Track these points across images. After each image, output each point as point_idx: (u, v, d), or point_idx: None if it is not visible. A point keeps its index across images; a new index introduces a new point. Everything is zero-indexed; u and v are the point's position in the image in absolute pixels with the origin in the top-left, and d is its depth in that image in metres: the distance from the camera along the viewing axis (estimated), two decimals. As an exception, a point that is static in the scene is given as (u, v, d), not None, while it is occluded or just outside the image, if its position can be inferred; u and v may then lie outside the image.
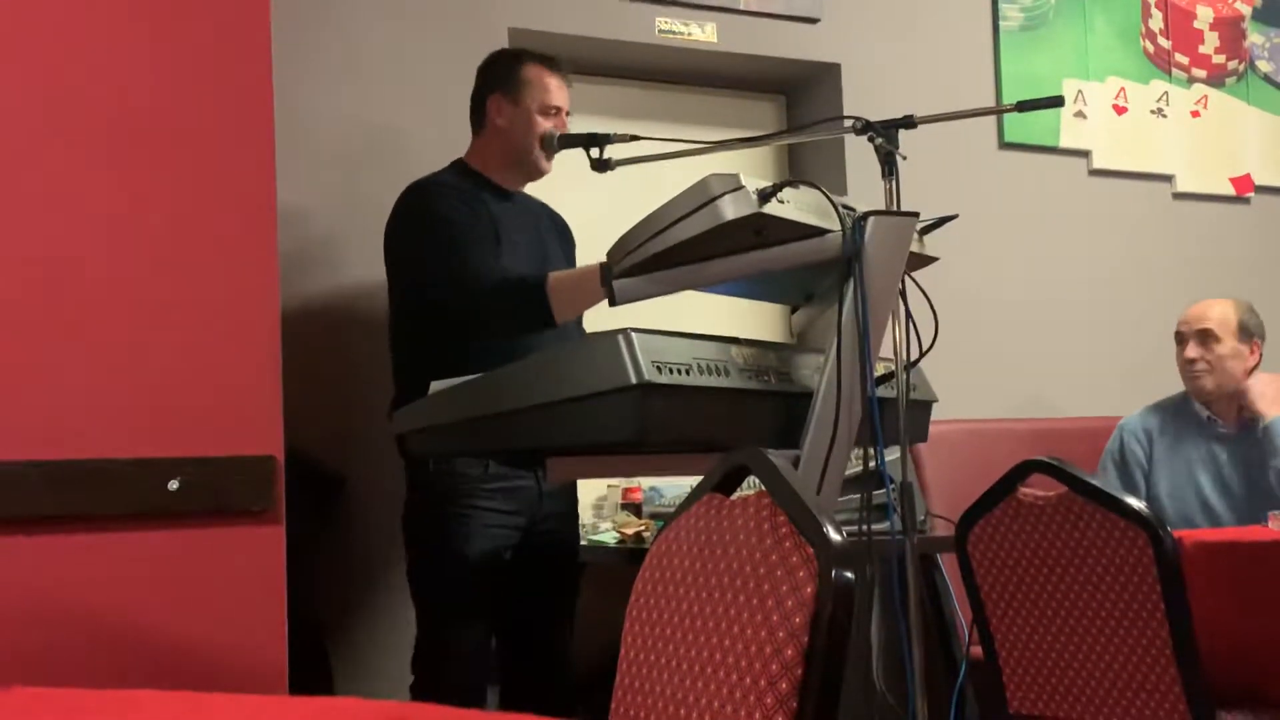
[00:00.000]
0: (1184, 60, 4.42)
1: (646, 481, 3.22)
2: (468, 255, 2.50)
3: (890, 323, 2.06)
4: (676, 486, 3.14)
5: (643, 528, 3.02)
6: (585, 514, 3.15)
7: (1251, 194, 4.50)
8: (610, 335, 1.77)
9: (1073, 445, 3.20)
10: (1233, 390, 3.27)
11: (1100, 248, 4.20)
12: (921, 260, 2.26)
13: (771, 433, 1.94)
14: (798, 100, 4.05)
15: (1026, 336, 4.03)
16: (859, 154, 3.32)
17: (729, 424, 1.88)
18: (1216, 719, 2.18)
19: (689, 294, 2.05)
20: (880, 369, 2.02)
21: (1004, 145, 4.08)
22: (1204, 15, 4.47)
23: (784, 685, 1.12)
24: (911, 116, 2.19)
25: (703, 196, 1.83)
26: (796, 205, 1.90)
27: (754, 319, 3.71)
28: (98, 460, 1.67)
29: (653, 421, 1.76)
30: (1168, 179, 4.36)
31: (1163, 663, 2.16)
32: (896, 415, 2.06)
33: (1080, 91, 4.21)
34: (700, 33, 3.66)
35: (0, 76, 1.69)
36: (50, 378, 1.67)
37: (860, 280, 1.93)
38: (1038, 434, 3.62)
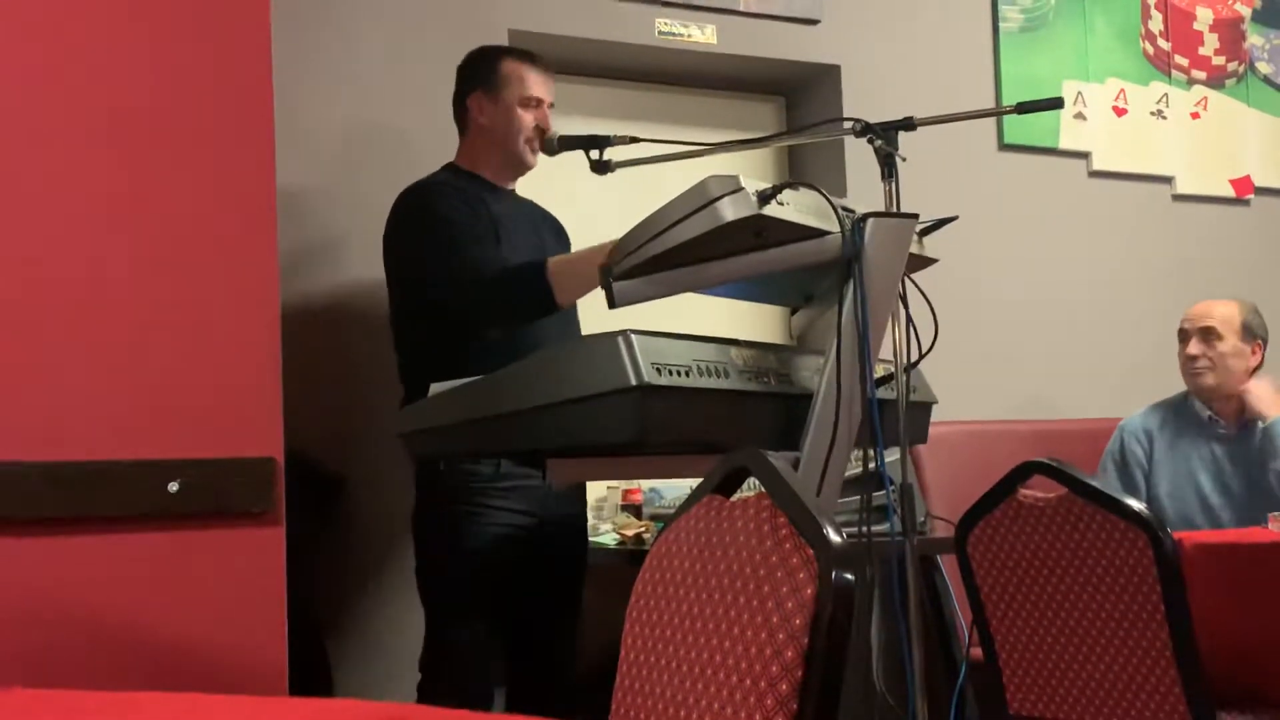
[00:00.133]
0: (1184, 62, 4.42)
1: (646, 483, 3.22)
2: (468, 254, 2.50)
3: (890, 324, 2.06)
4: (676, 488, 3.14)
5: (643, 529, 3.02)
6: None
7: (1251, 196, 4.50)
8: (610, 337, 1.77)
9: (1073, 446, 3.20)
10: (1233, 390, 3.27)
11: (1100, 249, 4.20)
12: (921, 262, 2.26)
13: (771, 434, 1.94)
14: (797, 102, 4.05)
15: (1026, 337, 4.03)
16: (859, 155, 3.32)
17: (729, 425, 1.88)
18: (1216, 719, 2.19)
19: (688, 295, 2.05)
20: (880, 370, 2.02)
21: (1004, 147, 4.08)
22: (1204, 17, 4.47)
23: (784, 687, 1.12)
24: (911, 118, 2.19)
25: (702, 198, 1.83)
26: (796, 207, 1.90)
27: (753, 321, 3.71)
28: (98, 461, 1.67)
29: (652, 423, 1.76)
30: (1167, 180, 4.36)
31: (1163, 664, 2.16)
32: (896, 417, 2.06)
33: (1080, 93, 4.21)
34: (700, 34, 3.66)
35: (0, 76, 1.69)
36: (50, 378, 1.67)
37: (860, 282, 1.93)
38: (1038, 435, 3.63)
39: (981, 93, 4.04)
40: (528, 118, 2.68)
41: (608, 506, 3.29)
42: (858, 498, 1.98)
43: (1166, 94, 4.38)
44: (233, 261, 1.77)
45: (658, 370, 1.75)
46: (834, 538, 1.15)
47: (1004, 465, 2.40)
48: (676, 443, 1.85)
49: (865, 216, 1.97)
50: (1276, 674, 2.31)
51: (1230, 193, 4.46)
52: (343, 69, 3.22)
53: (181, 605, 1.71)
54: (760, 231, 1.90)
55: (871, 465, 1.95)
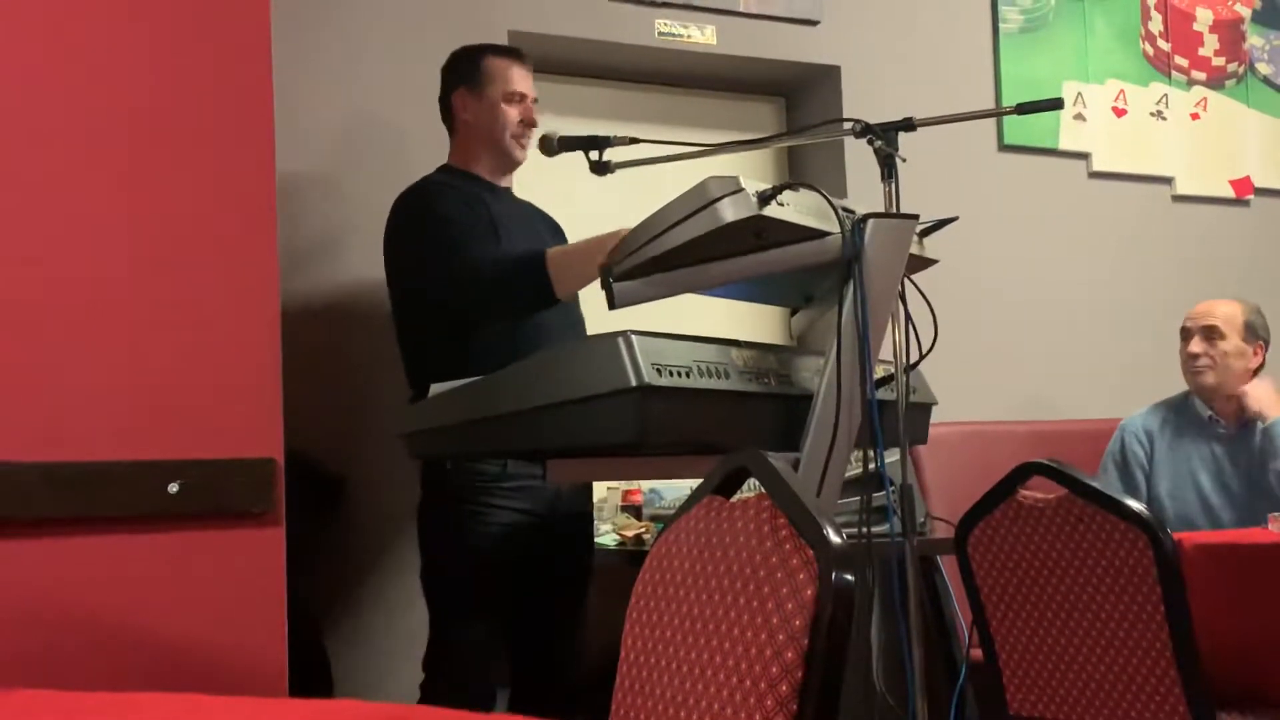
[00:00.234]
0: (1183, 63, 4.42)
1: (646, 484, 3.22)
2: (468, 253, 2.49)
3: (890, 325, 2.07)
4: (676, 489, 3.14)
5: (643, 530, 3.02)
6: (585, 516, 3.14)
7: (1251, 196, 4.50)
8: (610, 337, 1.77)
9: (1073, 447, 3.20)
10: (1234, 390, 3.27)
11: (1100, 250, 4.20)
12: (921, 262, 2.26)
13: (771, 435, 1.94)
14: (797, 102, 4.05)
15: (1026, 338, 4.04)
16: (859, 156, 3.32)
17: (729, 426, 1.88)
18: (1216, 720, 2.19)
19: (689, 296, 2.05)
20: (880, 371, 2.02)
21: (1004, 147, 4.09)
22: (1203, 18, 4.47)
23: (784, 687, 1.12)
24: (911, 119, 2.19)
25: (702, 199, 1.83)
26: (796, 208, 1.90)
27: (754, 321, 3.71)
28: (98, 462, 1.67)
29: (652, 424, 1.76)
30: (1167, 181, 4.36)
31: (1163, 664, 2.16)
32: (896, 417, 2.05)
33: (1080, 94, 4.21)
34: (700, 35, 3.66)
35: (0, 76, 1.69)
36: (50, 378, 1.67)
37: (860, 283, 1.93)
38: (1038, 436, 3.63)
39: (981, 93, 4.04)
40: (512, 112, 2.69)
41: (608, 507, 3.28)
42: (858, 498, 1.98)
43: (1166, 95, 4.38)
44: (232, 261, 1.77)
45: (658, 371, 1.75)
46: (834, 538, 1.15)
47: (1004, 466, 2.40)
48: (677, 443, 1.85)
49: (865, 217, 1.97)
50: (1276, 674, 2.31)
51: (1230, 193, 4.46)
52: (343, 69, 3.22)
53: (181, 606, 1.71)
54: (760, 232, 1.90)
55: (871, 466, 1.95)
